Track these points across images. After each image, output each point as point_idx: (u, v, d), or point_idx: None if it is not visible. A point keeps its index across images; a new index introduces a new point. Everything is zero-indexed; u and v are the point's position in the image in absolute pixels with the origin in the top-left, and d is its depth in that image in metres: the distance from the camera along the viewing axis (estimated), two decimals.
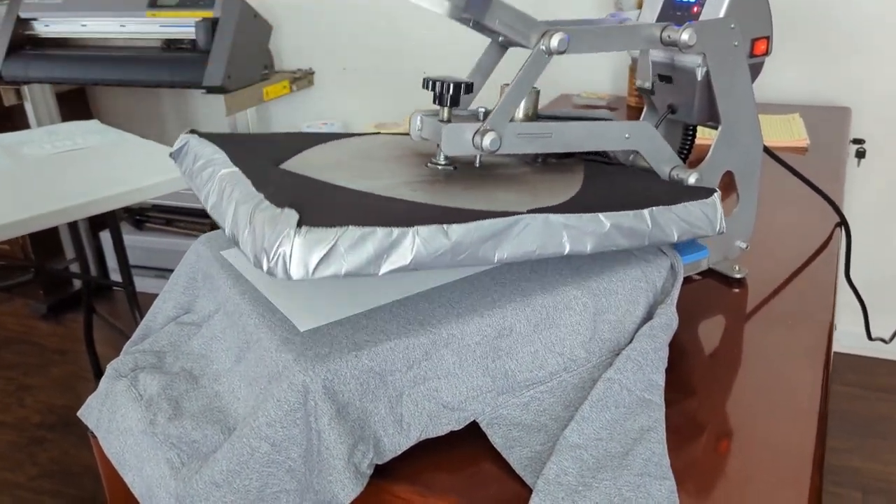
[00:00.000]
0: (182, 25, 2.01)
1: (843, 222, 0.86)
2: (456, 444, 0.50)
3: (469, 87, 0.55)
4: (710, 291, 0.72)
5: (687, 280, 0.74)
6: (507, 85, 0.53)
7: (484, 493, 0.47)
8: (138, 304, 1.64)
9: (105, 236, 2.35)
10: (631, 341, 0.56)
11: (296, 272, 0.41)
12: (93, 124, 1.64)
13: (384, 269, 0.43)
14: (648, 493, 0.45)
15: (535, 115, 0.59)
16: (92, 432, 0.56)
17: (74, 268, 2.37)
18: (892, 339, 1.25)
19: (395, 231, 0.43)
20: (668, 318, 0.56)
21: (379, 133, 0.71)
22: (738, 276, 0.74)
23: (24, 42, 2.15)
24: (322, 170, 0.56)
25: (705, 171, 0.65)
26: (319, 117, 2.36)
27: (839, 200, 0.96)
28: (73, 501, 1.55)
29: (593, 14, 1.89)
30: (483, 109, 0.61)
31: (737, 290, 0.72)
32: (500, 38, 0.63)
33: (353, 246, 0.42)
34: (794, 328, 0.65)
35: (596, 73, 1.96)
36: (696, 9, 0.64)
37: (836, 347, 1.94)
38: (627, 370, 0.52)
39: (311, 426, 0.45)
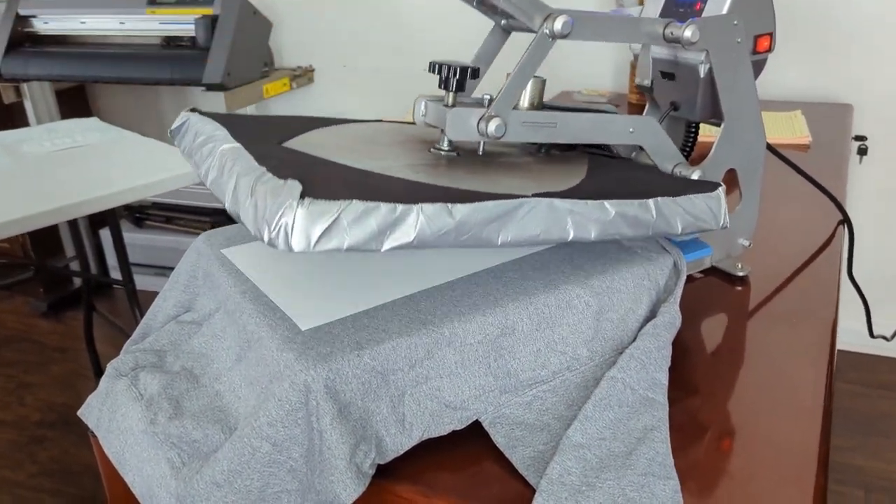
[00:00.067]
0: (182, 22, 2.00)
1: (846, 220, 0.86)
2: (458, 444, 0.50)
3: (476, 73, 0.54)
4: (712, 289, 0.72)
5: (689, 278, 0.73)
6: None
7: (486, 493, 0.47)
8: (138, 302, 1.63)
9: (105, 234, 2.35)
10: (634, 340, 0.56)
11: (297, 244, 0.40)
12: (92, 122, 1.63)
13: (387, 245, 0.42)
14: (652, 493, 0.45)
15: (540, 105, 0.59)
16: (92, 432, 0.56)
17: (74, 266, 2.37)
18: (893, 336, 1.25)
19: (399, 207, 0.42)
20: (671, 317, 0.56)
21: (381, 120, 0.70)
22: (740, 273, 0.73)
23: (24, 39, 2.15)
24: (324, 150, 0.55)
25: (708, 168, 0.64)
26: (319, 115, 2.35)
27: (842, 198, 0.96)
28: (72, 500, 1.55)
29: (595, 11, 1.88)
30: (488, 97, 0.60)
31: (739, 288, 0.72)
32: (504, 22, 0.62)
33: (357, 220, 0.41)
34: (798, 326, 0.65)
35: (597, 70, 1.95)
36: (698, 5, 0.63)
37: (837, 345, 1.94)
38: (631, 369, 0.52)
39: (313, 426, 0.44)
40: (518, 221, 0.47)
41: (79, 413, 0.57)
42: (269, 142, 0.55)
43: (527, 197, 0.47)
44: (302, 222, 0.40)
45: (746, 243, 0.72)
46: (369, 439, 0.46)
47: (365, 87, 2.26)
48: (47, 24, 2.14)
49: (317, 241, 0.40)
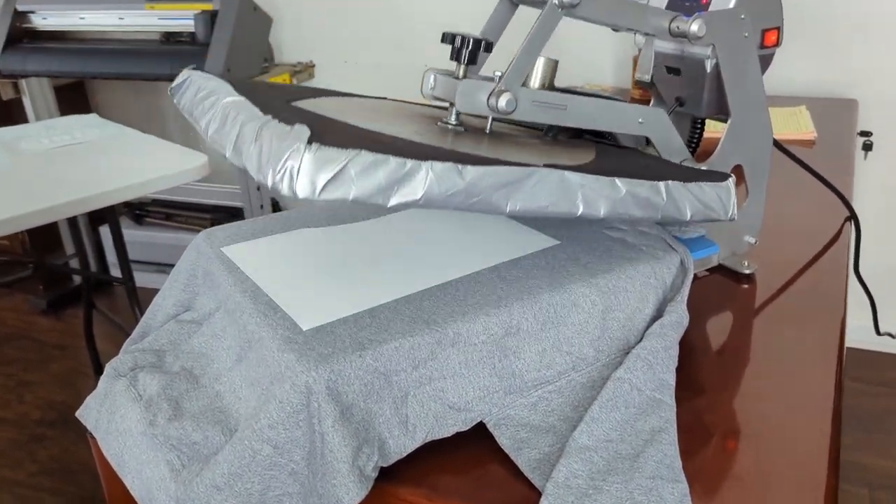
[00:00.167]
0: (181, 18, 1.99)
1: (852, 216, 0.85)
2: (462, 446, 0.49)
3: (489, 46, 0.53)
4: (718, 287, 0.71)
5: (694, 277, 0.72)
6: None
7: (491, 496, 0.46)
8: (138, 300, 1.63)
9: (105, 231, 2.34)
10: (641, 340, 0.55)
11: (302, 190, 0.39)
12: (91, 118, 1.62)
13: (393, 200, 0.41)
14: (660, 497, 0.44)
15: (551, 87, 0.58)
16: (91, 433, 0.55)
17: (74, 263, 2.36)
18: None
19: (409, 163, 0.41)
20: (678, 316, 0.55)
21: (386, 98, 0.69)
22: (746, 271, 0.73)
23: (22, 35, 2.14)
24: (333, 113, 0.54)
25: (714, 164, 0.63)
26: None
27: (848, 194, 0.95)
28: (72, 499, 1.55)
29: None
30: (499, 73, 0.59)
31: (746, 286, 0.71)
32: None
33: (364, 171, 0.40)
34: (805, 324, 0.64)
35: (599, 65, 1.94)
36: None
37: None
38: (637, 369, 0.51)
39: (315, 428, 0.43)
40: (528, 190, 0.45)
41: (77, 414, 0.56)
42: (276, 101, 0.53)
43: (538, 166, 0.46)
44: (308, 167, 0.39)
45: (752, 240, 0.71)
46: (372, 441, 0.45)
47: (366, 82, 2.25)
48: (46, 19, 2.13)
49: (322, 189, 0.39)
